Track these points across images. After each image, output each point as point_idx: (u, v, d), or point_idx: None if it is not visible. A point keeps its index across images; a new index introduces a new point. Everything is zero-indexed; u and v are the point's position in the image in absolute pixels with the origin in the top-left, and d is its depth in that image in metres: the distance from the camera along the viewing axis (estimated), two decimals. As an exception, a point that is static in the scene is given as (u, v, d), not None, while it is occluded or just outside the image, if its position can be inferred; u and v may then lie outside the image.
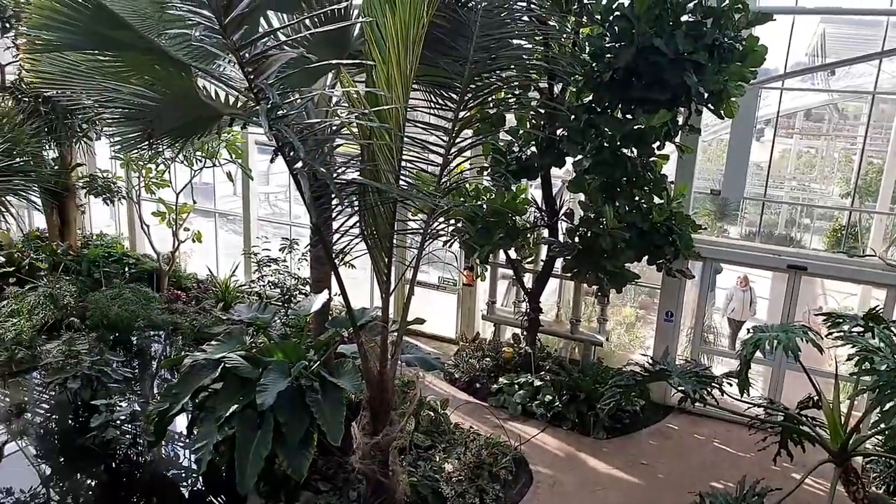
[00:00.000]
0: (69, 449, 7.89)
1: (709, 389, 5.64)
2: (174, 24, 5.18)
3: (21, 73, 9.65)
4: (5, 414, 8.36)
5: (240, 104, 5.42)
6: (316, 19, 5.24)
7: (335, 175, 4.92)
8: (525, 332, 9.48)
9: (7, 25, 9.49)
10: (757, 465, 7.15)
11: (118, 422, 7.65)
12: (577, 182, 7.84)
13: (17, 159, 7.00)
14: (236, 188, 12.30)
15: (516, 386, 8.78)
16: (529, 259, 9.54)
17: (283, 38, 4.99)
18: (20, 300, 9.85)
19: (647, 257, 7.97)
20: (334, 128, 5.02)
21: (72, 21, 5.07)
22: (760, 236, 11.22)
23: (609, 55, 7.22)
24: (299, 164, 4.75)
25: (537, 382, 8.72)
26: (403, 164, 5.03)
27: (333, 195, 5.04)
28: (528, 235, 8.98)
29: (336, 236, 5.13)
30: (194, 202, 11.80)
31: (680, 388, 5.57)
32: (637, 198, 7.83)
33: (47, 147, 10.03)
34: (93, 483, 7.44)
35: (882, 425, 4.98)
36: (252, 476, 5.99)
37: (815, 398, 5.90)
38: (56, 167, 10.88)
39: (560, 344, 10.09)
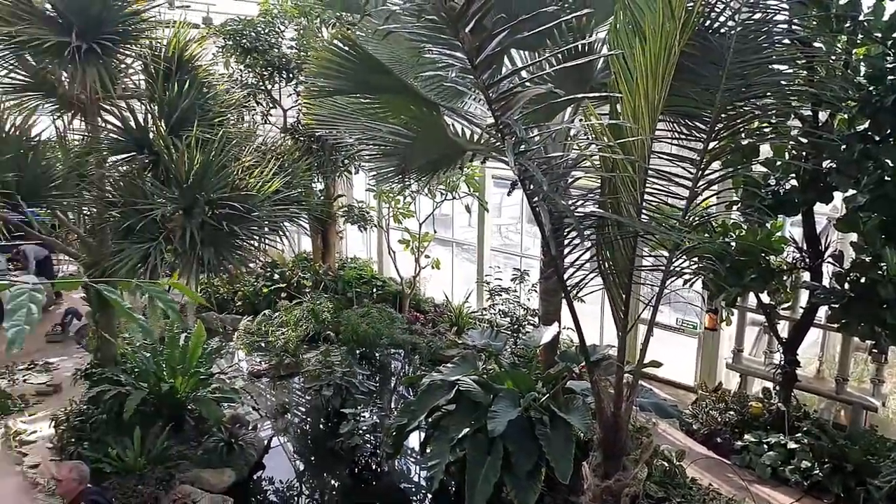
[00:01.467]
0: (320, 450, 8.73)
1: None
2: (427, 67, 5.58)
3: (299, 116, 11.14)
4: (273, 412, 9.53)
5: (482, 140, 5.66)
6: (560, 55, 5.27)
7: (574, 208, 4.87)
8: (778, 387, 8.46)
9: (291, 76, 11.04)
10: None
11: (362, 431, 8.29)
12: (849, 220, 6.86)
13: (294, 190, 7.99)
14: (471, 219, 12.86)
15: (765, 446, 7.85)
16: (786, 305, 8.53)
17: (525, 74, 5.11)
18: (289, 313, 11.23)
19: (939, 311, 6.68)
20: (574, 161, 4.99)
21: (342, 69, 5.72)
22: None
23: (892, 77, 6.28)
24: (539, 197, 4.78)
25: (792, 445, 7.71)
26: (646, 197, 4.82)
27: (568, 228, 4.98)
28: (785, 278, 8.05)
29: (570, 270, 5.06)
30: (435, 232, 12.56)
31: None
32: (927, 240, 6.63)
33: (316, 180, 11.39)
34: (337, 484, 8.15)
35: None
36: (480, 501, 6.08)
37: None
38: (321, 197, 12.31)
39: (821, 404, 8.84)
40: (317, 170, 10.94)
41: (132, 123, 7.27)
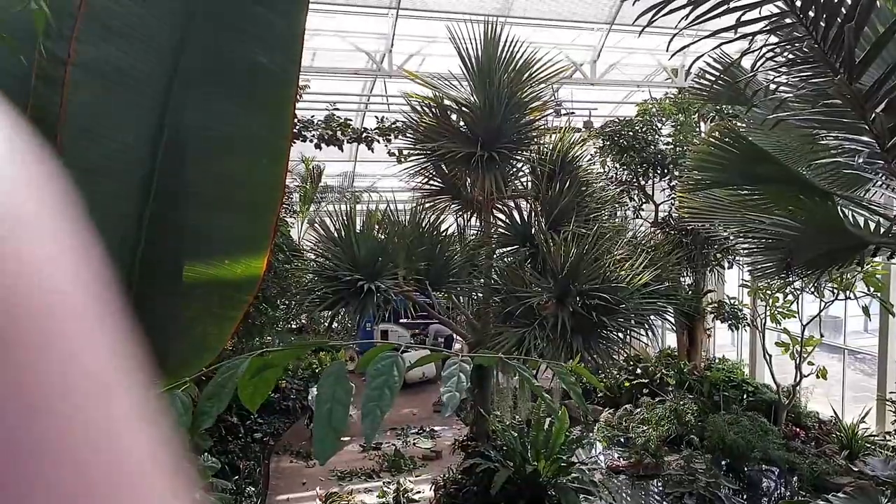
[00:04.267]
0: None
1: None
2: (820, 155, 5.13)
3: (670, 210, 11.12)
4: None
5: (891, 232, 4.91)
6: None
7: None
8: None
9: (665, 171, 11.18)
10: None
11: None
12: None
13: (662, 284, 7.92)
14: (870, 324, 10.98)
15: None
16: None
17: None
18: (650, 410, 10.91)
19: None
20: None
21: (721, 160, 5.60)
22: None
23: None
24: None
25: None
26: None
27: None
28: None
29: None
30: (821, 335, 11.05)
31: None
32: None
33: (685, 274, 11.11)
34: None
35: None
36: None
37: None
38: (690, 292, 11.90)
39: None
40: (686, 264, 10.70)
41: (517, 220, 8.16)
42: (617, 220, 10.06)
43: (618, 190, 10.93)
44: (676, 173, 10.42)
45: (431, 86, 7.69)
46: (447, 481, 8.55)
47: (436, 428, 11.81)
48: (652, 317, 8.19)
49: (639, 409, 11.15)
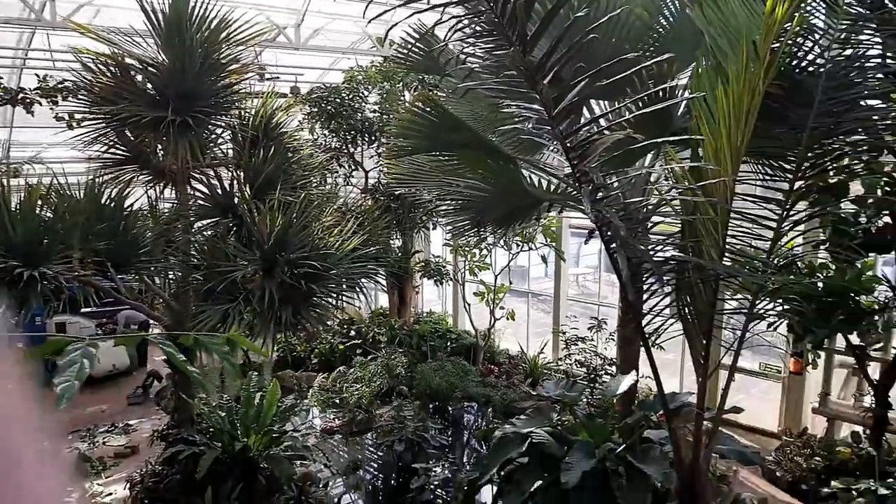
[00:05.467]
0: (391, 506, 8.64)
1: None
2: (506, 122, 5.72)
3: (379, 177, 11.52)
4: (345, 469, 9.51)
5: (559, 190, 5.71)
6: (639, 102, 5.29)
7: (653, 253, 4.82)
8: (868, 431, 7.97)
9: (373, 138, 11.51)
10: None
11: (433, 486, 8.18)
12: (947, 256, 6.52)
13: (372, 248, 8.14)
14: (548, 270, 12.86)
15: (854, 492, 7.28)
16: (877, 346, 8.09)
17: (604, 123, 5.15)
18: (364, 368, 11.35)
19: None
20: (653, 206, 4.96)
21: (422, 128, 5.92)
22: None
23: None
24: (617, 243, 4.76)
25: (883, 490, 7.14)
26: (729, 239, 4.73)
27: (647, 274, 4.92)
28: (876, 318, 7.66)
29: (649, 316, 4.96)
30: (510, 283, 12.59)
31: None
32: None
33: (394, 237, 11.66)
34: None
35: None
36: (558, 558, 5.85)
37: None
38: (399, 254, 12.57)
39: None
40: (395, 227, 11.21)
41: (219, 190, 7.65)
42: (327, 187, 10.09)
43: (327, 157, 10.94)
44: (384, 140, 10.79)
45: (109, 41, 6.76)
46: (145, 475, 7.80)
47: (131, 422, 10.78)
48: (363, 280, 8.38)
49: (352, 370, 11.51)
